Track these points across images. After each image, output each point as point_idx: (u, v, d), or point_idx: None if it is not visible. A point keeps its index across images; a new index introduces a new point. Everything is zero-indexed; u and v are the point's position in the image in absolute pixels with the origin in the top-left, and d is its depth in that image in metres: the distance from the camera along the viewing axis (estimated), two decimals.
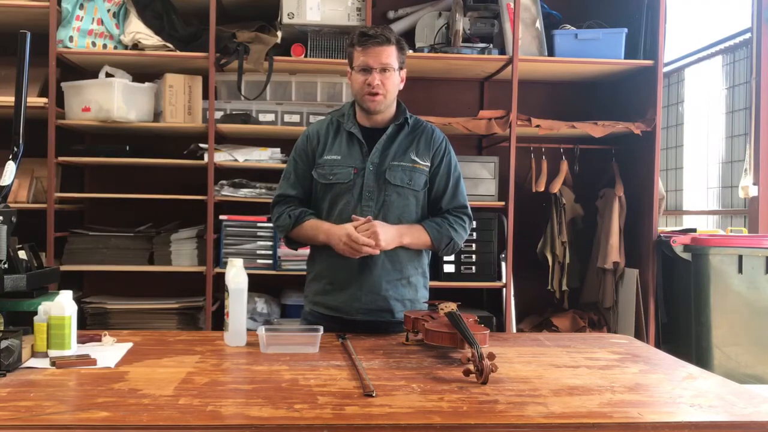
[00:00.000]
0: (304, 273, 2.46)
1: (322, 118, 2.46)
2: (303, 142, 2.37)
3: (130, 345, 1.99)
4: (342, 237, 2.18)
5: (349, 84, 2.40)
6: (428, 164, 2.33)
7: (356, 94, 2.29)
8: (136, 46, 3.46)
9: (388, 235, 2.21)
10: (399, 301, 2.31)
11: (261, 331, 1.96)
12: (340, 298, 2.30)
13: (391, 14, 3.91)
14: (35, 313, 1.85)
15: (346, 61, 2.34)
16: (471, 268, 3.65)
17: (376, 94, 2.23)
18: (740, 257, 3.31)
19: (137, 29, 3.41)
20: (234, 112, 3.58)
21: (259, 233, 3.54)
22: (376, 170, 2.28)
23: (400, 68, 2.28)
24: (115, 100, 3.37)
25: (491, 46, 3.64)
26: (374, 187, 2.28)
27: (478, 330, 1.88)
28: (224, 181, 3.54)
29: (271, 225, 3.44)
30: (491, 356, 1.65)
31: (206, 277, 3.46)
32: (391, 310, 2.31)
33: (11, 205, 2.09)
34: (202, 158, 3.49)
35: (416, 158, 2.31)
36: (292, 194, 2.35)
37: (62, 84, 3.48)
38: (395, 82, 2.27)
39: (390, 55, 2.23)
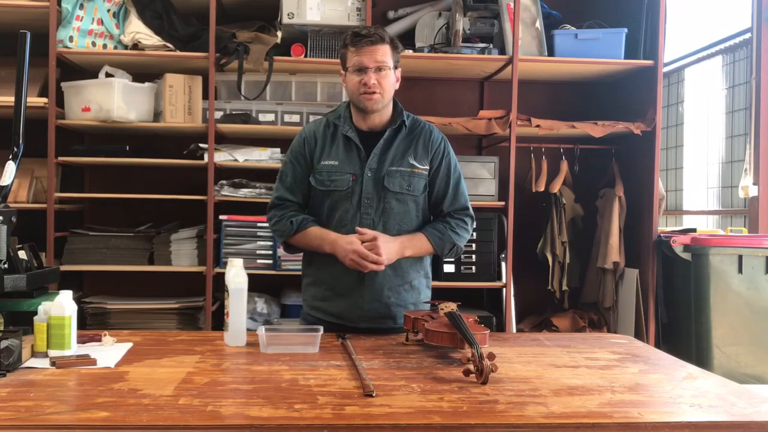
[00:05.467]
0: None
1: (318, 118, 2.42)
2: (300, 145, 2.32)
3: (130, 345, 1.99)
4: (348, 253, 2.15)
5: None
6: (427, 167, 2.30)
7: (352, 95, 2.24)
8: (136, 46, 3.46)
9: (392, 252, 2.18)
10: (402, 306, 2.29)
11: (261, 331, 1.96)
12: (340, 306, 2.28)
13: (391, 14, 3.91)
14: (35, 313, 1.85)
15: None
16: (471, 268, 3.65)
17: (373, 93, 2.19)
18: (740, 257, 3.31)
19: (137, 29, 3.41)
20: (234, 112, 3.58)
21: (259, 233, 3.54)
22: (374, 176, 2.25)
23: (395, 67, 2.24)
24: (115, 100, 3.37)
25: (491, 46, 3.64)
26: (373, 195, 2.24)
27: (478, 330, 1.88)
28: (224, 181, 3.54)
29: None
30: (491, 356, 1.65)
31: (206, 277, 3.46)
32: (393, 317, 2.29)
33: (11, 205, 2.09)
34: (202, 158, 3.49)
35: (415, 162, 2.27)
36: (290, 198, 2.31)
37: (62, 84, 3.48)
38: (391, 80, 2.23)
39: (385, 53, 2.19)
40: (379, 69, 2.19)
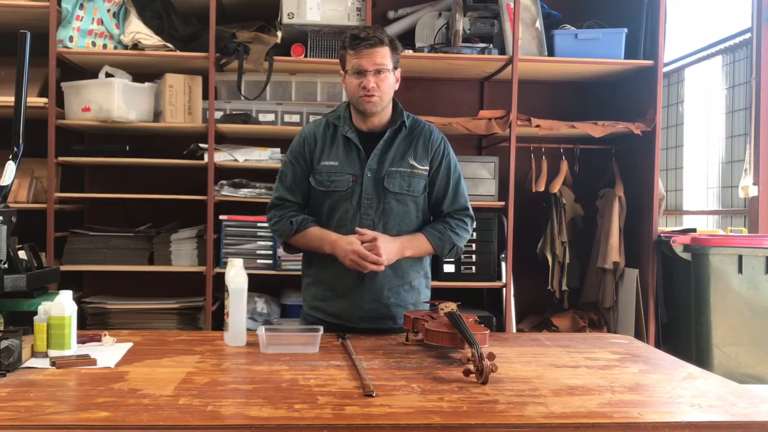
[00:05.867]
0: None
1: (318, 118, 2.41)
2: (300, 145, 2.32)
3: (130, 345, 1.99)
4: (348, 253, 2.15)
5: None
6: (427, 168, 2.30)
7: (351, 97, 2.25)
8: (136, 46, 3.46)
9: (392, 252, 2.18)
10: (402, 306, 2.28)
11: (261, 331, 1.96)
12: (340, 306, 2.28)
13: (391, 14, 3.91)
14: (35, 313, 1.85)
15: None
16: (471, 268, 3.65)
17: (372, 95, 2.19)
18: (740, 257, 3.31)
19: (137, 29, 3.41)
20: (234, 112, 3.58)
21: (259, 233, 3.54)
22: (374, 177, 2.25)
23: (395, 68, 2.24)
24: (115, 100, 3.37)
25: (491, 46, 3.64)
26: (373, 195, 2.24)
27: (478, 330, 1.88)
28: (224, 181, 3.54)
29: None
30: (491, 356, 1.65)
31: (206, 277, 3.46)
32: (393, 317, 2.29)
33: (11, 205, 2.09)
34: (202, 158, 3.49)
35: (414, 163, 2.27)
36: (290, 198, 2.31)
37: (62, 84, 3.48)
38: (390, 83, 2.22)
39: (384, 55, 2.19)
40: (378, 72, 2.18)
